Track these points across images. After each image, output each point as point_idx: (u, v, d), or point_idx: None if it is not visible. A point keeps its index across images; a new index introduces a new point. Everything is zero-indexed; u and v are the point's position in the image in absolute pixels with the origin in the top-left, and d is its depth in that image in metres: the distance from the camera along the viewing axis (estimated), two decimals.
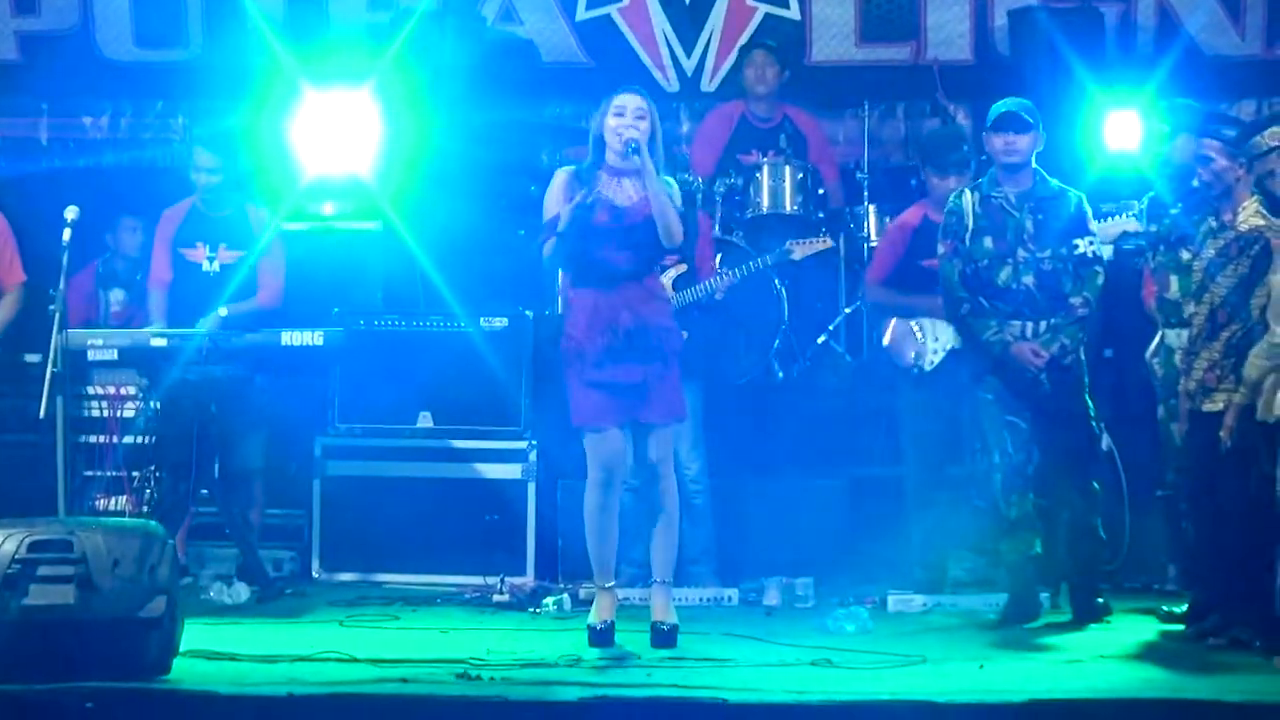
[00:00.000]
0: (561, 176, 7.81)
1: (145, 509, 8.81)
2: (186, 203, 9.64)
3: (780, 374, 10.19)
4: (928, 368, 9.09)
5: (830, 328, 10.53)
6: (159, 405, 8.91)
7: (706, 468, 9.33)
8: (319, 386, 9.82)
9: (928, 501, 9.06)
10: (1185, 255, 7.94)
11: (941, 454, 8.94)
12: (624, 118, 7.68)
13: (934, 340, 9.06)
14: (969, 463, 8.53)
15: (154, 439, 8.95)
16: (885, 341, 9.27)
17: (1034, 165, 8.32)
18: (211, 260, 9.50)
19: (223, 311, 9.12)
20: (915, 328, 9.13)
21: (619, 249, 7.67)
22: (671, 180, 7.89)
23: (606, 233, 7.66)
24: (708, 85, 11.47)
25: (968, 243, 8.26)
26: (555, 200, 7.73)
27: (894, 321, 9.22)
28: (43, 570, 6.46)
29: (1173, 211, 8.23)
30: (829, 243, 9.77)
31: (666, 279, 8.87)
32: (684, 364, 7.90)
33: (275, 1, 11.35)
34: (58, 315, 8.09)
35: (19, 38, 11.52)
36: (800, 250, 9.55)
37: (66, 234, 8.27)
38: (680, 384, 7.81)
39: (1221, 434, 7.44)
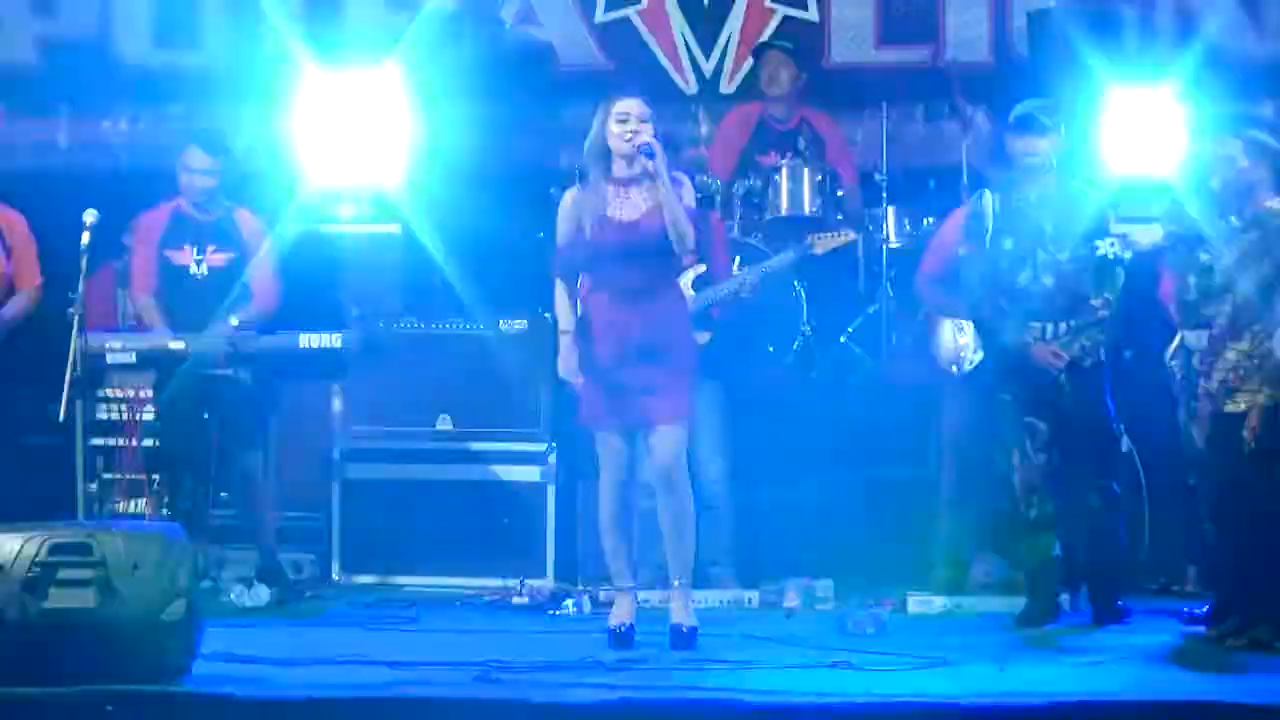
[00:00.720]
0: (568, 198, 7.75)
1: (165, 511, 8.82)
2: (168, 206, 9.47)
3: (799, 376, 10.17)
4: (966, 368, 9.08)
5: (850, 329, 10.50)
6: (175, 408, 8.90)
7: (729, 470, 9.31)
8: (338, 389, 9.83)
9: (960, 502, 9.05)
10: (1204, 256, 7.91)
11: (976, 455, 8.92)
12: (628, 123, 7.57)
13: (975, 341, 9.04)
14: (990, 464, 8.52)
15: (172, 442, 8.95)
16: (934, 340, 9.27)
17: (1054, 167, 8.31)
18: (199, 263, 9.38)
19: (234, 320, 9.08)
20: (958, 329, 9.11)
21: (633, 266, 7.60)
22: (682, 176, 7.83)
23: (620, 251, 7.61)
24: (726, 87, 11.43)
25: (988, 244, 8.26)
26: (565, 221, 7.70)
27: (943, 322, 9.21)
28: (62, 573, 6.43)
29: (1192, 213, 8.20)
30: (852, 236, 9.75)
31: (685, 280, 8.80)
32: (706, 364, 7.84)
33: (293, 4, 11.34)
34: (76, 318, 8.08)
35: (38, 42, 11.52)
36: (822, 244, 9.52)
37: (85, 237, 8.27)
38: (687, 389, 7.71)
39: (1245, 434, 7.43)
